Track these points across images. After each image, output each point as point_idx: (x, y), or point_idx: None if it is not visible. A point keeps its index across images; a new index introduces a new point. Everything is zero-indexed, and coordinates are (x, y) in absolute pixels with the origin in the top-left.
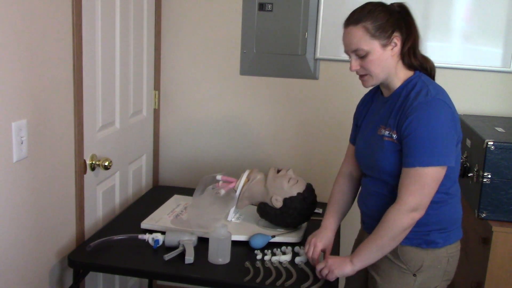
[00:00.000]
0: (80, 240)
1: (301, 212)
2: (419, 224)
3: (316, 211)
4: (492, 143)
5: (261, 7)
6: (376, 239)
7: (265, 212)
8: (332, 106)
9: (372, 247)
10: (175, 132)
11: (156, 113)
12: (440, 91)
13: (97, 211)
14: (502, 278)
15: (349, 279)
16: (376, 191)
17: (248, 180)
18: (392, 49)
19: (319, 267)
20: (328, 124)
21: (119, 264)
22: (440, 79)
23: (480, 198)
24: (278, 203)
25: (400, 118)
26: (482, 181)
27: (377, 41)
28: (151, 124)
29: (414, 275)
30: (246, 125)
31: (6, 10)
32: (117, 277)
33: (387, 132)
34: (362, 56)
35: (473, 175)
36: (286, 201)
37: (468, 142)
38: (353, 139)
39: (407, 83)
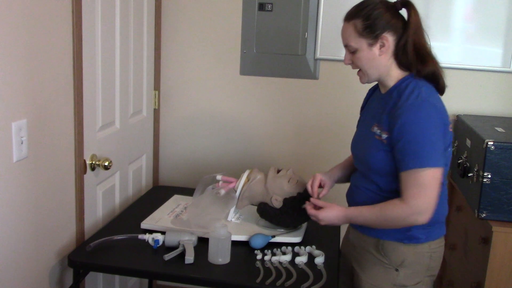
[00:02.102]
0: (80, 240)
1: (301, 212)
2: None
3: None
4: (492, 143)
5: (261, 7)
6: (373, 218)
7: (265, 212)
8: (332, 106)
9: (367, 221)
10: (175, 132)
11: (156, 113)
12: (432, 94)
13: (97, 211)
14: (502, 278)
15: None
16: (365, 187)
17: (248, 180)
18: (380, 48)
19: (311, 212)
20: (328, 124)
21: (119, 264)
22: None
23: (480, 198)
24: (278, 203)
25: (391, 120)
26: (482, 181)
27: (364, 40)
28: (151, 124)
29: (397, 269)
30: (246, 125)
31: (6, 10)
32: (117, 277)
33: (378, 131)
34: (352, 52)
35: (473, 175)
36: (286, 201)
37: (468, 142)
38: None
39: (400, 83)
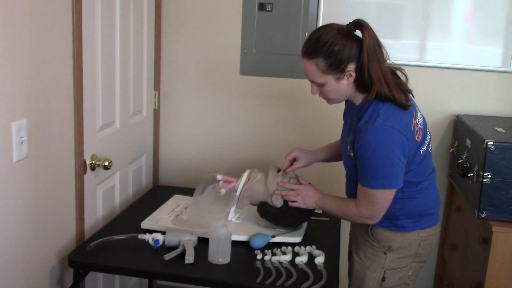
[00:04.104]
0: (80, 240)
1: (301, 211)
2: (388, 213)
3: (316, 211)
4: (492, 143)
5: (261, 7)
6: (335, 208)
7: (265, 211)
8: (332, 106)
9: (332, 208)
10: (175, 132)
11: (156, 113)
12: (391, 115)
13: (97, 211)
14: (502, 278)
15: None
16: (352, 191)
17: (248, 180)
18: (348, 79)
19: (294, 186)
20: (328, 124)
21: (119, 264)
22: (440, 79)
23: (480, 198)
24: (278, 202)
25: (353, 140)
26: (482, 181)
27: (331, 76)
28: (151, 124)
29: (385, 253)
30: (246, 125)
31: (6, 10)
32: (117, 277)
33: (348, 147)
34: (320, 85)
35: (473, 175)
36: (286, 200)
37: (468, 142)
38: None
39: (364, 101)
